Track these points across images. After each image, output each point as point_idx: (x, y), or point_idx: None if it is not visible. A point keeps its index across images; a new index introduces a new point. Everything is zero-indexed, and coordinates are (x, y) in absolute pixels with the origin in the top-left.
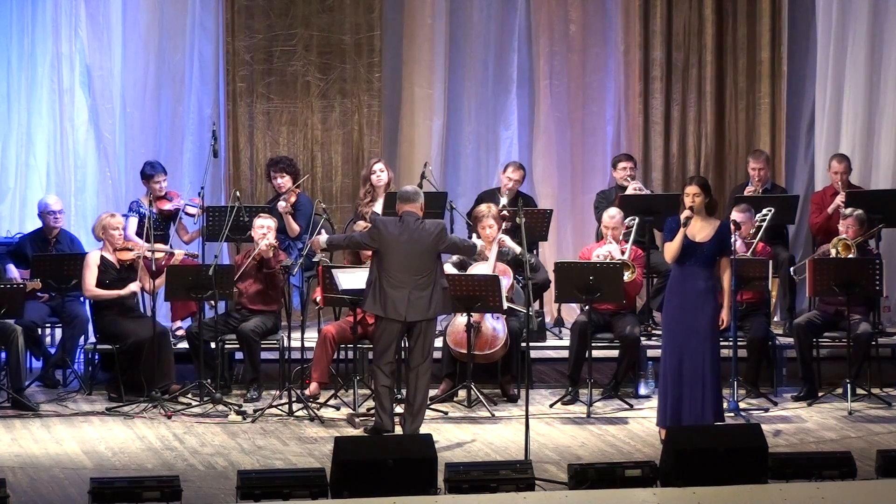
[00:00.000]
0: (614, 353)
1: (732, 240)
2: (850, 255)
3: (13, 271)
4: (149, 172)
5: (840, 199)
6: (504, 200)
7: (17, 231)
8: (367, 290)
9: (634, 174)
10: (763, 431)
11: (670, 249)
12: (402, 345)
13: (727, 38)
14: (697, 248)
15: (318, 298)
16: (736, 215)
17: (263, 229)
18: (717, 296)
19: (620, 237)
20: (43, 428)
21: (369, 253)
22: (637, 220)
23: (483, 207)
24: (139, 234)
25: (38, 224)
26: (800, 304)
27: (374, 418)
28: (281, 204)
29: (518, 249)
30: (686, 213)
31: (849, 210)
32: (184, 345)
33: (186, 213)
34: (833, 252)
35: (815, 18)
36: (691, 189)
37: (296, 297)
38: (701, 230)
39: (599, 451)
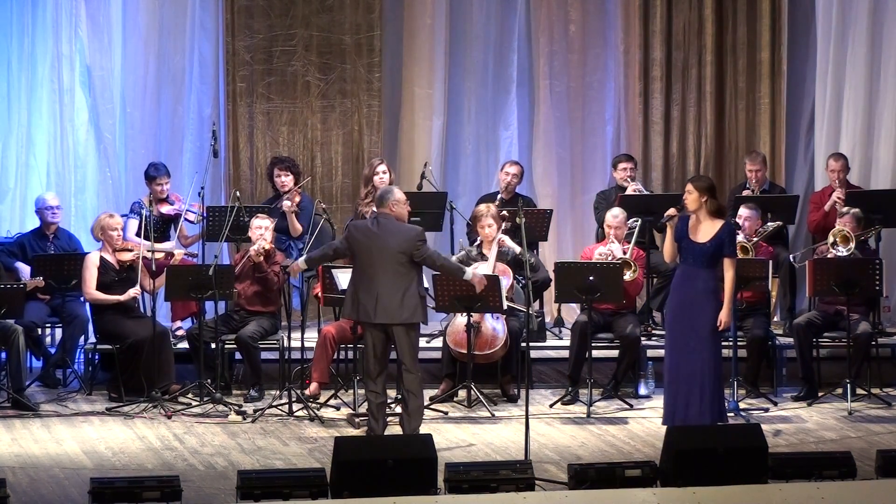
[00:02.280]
0: (614, 353)
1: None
2: (850, 247)
3: (24, 269)
4: (152, 174)
5: (837, 195)
6: (501, 196)
7: (18, 231)
8: (346, 295)
9: (634, 175)
10: (763, 431)
11: (665, 250)
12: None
13: (727, 38)
14: (698, 248)
15: (318, 293)
16: (743, 211)
17: (261, 230)
18: (718, 296)
19: (623, 237)
20: (43, 428)
21: None
22: (640, 221)
23: (482, 207)
24: (139, 235)
25: (39, 223)
26: (800, 304)
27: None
28: (286, 203)
29: (518, 249)
30: (670, 211)
31: (846, 208)
32: (184, 345)
33: (186, 220)
34: (831, 240)
35: (815, 18)
36: (687, 186)
37: (296, 298)
38: (703, 230)
39: (599, 451)
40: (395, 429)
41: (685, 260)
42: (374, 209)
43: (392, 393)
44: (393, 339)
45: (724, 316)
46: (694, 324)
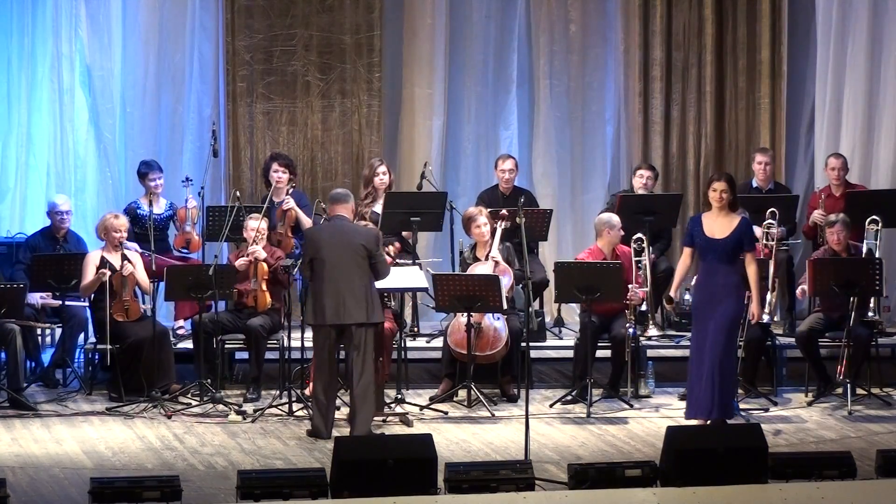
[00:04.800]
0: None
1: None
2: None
3: (32, 297)
4: (143, 171)
5: (818, 214)
6: (503, 194)
7: (18, 231)
8: (308, 303)
9: (652, 185)
10: (763, 431)
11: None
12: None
13: (727, 38)
14: (717, 245)
15: None
16: None
17: (254, 232)
18: (739, 291)
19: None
20: (43, 428)
21: None
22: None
23: (473, 209)
24: (136, 236)
25: (39, 224)
26: (799, 304)
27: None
28: (287, 207)
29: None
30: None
31: (832, 217)
32: (184, 344)
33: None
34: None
35: (815, 18)
36: (720, 185)
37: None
38: (721, 226)
39: (599, 451)
40: (394, 429)
41: (704, 258)
42: (328, 208)
43: (392, 393)
44: (352, 343)
45: (755, 309)
46: (714, 318)
